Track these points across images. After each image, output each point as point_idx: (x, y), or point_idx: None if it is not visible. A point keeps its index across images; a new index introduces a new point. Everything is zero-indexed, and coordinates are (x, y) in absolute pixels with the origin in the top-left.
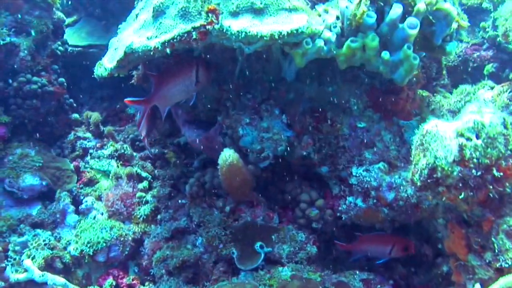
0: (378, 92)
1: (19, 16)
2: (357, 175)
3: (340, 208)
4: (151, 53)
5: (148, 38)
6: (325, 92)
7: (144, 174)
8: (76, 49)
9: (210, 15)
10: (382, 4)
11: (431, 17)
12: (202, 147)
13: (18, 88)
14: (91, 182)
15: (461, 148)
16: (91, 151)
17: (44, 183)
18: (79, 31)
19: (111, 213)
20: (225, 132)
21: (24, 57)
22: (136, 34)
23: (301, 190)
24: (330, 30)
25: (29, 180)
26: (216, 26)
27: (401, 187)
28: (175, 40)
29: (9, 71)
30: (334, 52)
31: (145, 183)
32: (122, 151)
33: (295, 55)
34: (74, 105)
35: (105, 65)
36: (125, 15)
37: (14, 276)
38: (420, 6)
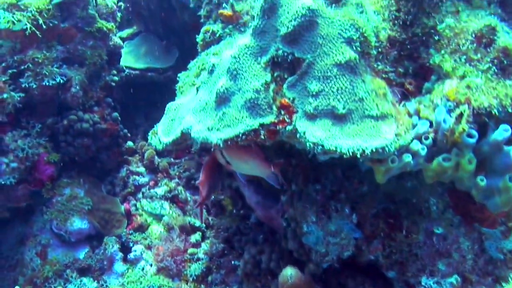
0: (462, 193)
1: (72, 47)
2: (427, 286)
3: None
4: (211, 145)
5: (208, 128)
6: (403, 188)
7: (197, 223)
8: (134, 72)
9: (282, 111)
10: (486, 119)
11: None
12: (260, 215)
13: (69, 125)
14: (141, 228)
15: None
16: (143, 189)
17: (92, 226)
18: (137, 49)
19: (160, 268)
20: (287, 219)
21: (75, 93)
22: (196, 117)
23: None
24: (421, 142)
25: (78, 223)
26: (289, 128)
27: None
28: (239, 139)
29: (60, 106)
30: (422, 166)
31: (197, 236)
32: (176, 192)
33: (376, 171)
34: (128, 135)
35: (160, 138)
36: (188, 36)
37: None
38: None
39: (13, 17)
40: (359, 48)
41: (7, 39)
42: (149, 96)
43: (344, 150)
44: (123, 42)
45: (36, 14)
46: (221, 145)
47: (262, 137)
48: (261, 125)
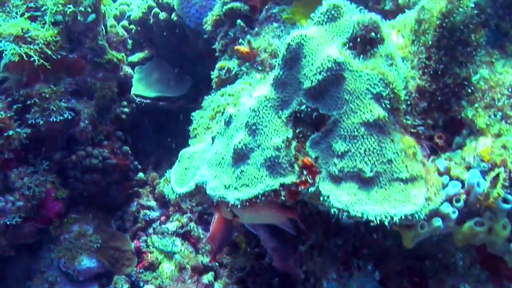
0: None
1: (81, 79)
2: None
3: None
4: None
5: (225, 186)
6: (428, 242)
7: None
8: (145, 101)
9: (304, 171)
10: None
11: None
12: (277, 263)
13: (77, 161)
14: (152, 266)
15: None
16: (154, 225)
17: (102, 265)
18: (148, 75)
19: None
20: (306, 272)
21: (84, 128)
22: (211, 171)
23: None
24: (451, 204)
25: (86, 262)
26: (312, 189)
27: None
28: (257, 199)
29: (68, 140)
30: (452, 229)
31: (210, 276)
32: (188, 228)
33: (404, 236)
34: (139, 166)
35: (173, 187)
36: (202, 64)
37: None
38: None
39: (20, 49)
40: (388, 105)
41: (13, 72)
42: (161, 124)
43: (371, 217)
44: (134, 66)
45: (43, 47)
46: (238, 206)
47: (283, 197)
48: (282, 185)
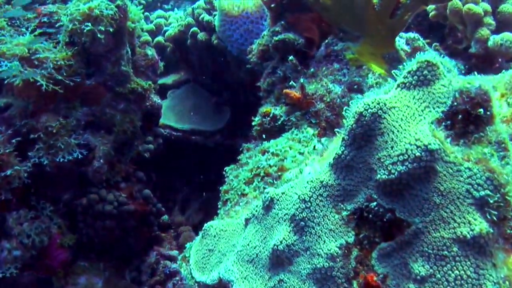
0: None
1: (99, 109)
2: None
3: None
4: None
5: None
6: None
7: None
8: (175, 133)
9: None
10: None
11: None
12: None
13: (88, 205)
14: None
15: None
16: (175, 279)
17: None
18: (181, 103)
19: None
20: None
21: (98, 168)
22: (240, 269)
23: None
24: None
25: None
26: None
27: None
28: None
29: (79, 180)
30: None
31: None
32: None
33: None
34: (163, 209)
35: (193, 271)
36: (244, 94)
37: None
38: None
39: (23, 74)
40: (495, 216)
41: (18, 98)
42: (192, 157)
43: None
44: (166, 90)
45: (53, 72)
46: None
47: None
48: None
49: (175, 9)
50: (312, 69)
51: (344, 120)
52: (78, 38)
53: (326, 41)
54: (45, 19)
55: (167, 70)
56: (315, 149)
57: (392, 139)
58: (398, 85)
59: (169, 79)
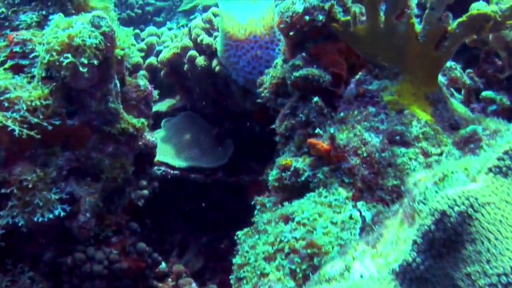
0: None
1: (84, 153)
2: None
3: None
4: None
5: None
6: None
7: None
8: (172, 172)
9: None
10: None
11: None
12: None
13: (74, 265)
14: None
15: None
16: None
17: None
18: (178, 134)
19: None
20: None
21: (85, 223)
22: None
23: None
24: None
25: None
26: None
27: None
28: None
29: (62, 234)
30: None
31: None
32: None
33: None
34: (159, 259)
35: None
36: (250, 124)
37: None
38: None
39: None
40: None
41: None
42: (191, 194)
43: None
44: (161, 117)
45: (27, 115)
46: None
47: None
48: None
49: (167, 22)
50: (342, 114)
51: (416, 216)
52: (57, 72)
53: (357, 77)
54: (18, 49)
55: (161, 93)
56: (352, 219)
57: (488, 249)
58: (490, 169)
59: (163, 105)
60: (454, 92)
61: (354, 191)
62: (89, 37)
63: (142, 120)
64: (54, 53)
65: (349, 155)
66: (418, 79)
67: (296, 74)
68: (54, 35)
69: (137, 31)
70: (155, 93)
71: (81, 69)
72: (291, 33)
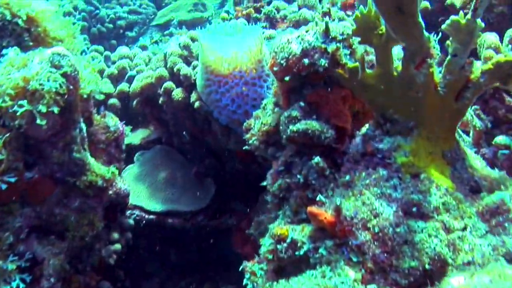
0: None
1: (46, 209)
2: None
3: None
4: None
5: None
6: None
7: None
8: (147, 216)
9: None
10: None
11: None
12: None
13: None
14: None
15: None
16: None
17: None
18: (153, 173)
19: None
20: None
21: None
22: None
23: None
24: None
25: None
26: None
27: None
28: None
29: None
30: None
31: None
32: None
33: None
34: None
35: None
36: (232, 162)
37: None
38: None
39: None
40: None
41: None
42: (169, 237)
43: None
44: (133, 150)
45: None
46: None
47: None
48: None
49: (140, 38)
50: (347, 176)
51: None
52: (11, 120)
53: (364, 131)
54: None
55: (133, 122)
56: None
57: None
58: None
59: (136, 137)
60: (462, 134)
61: (363, 273)
62: (48, 80)
63: (113, 169)
64: (7, 98)
65: (357, 228)
66: (435, 134)
67: (293, 128)
68: (7, 76)
69: (108, 53)
70: (127, 129)
71: (38, 120)
72: (287, 78)
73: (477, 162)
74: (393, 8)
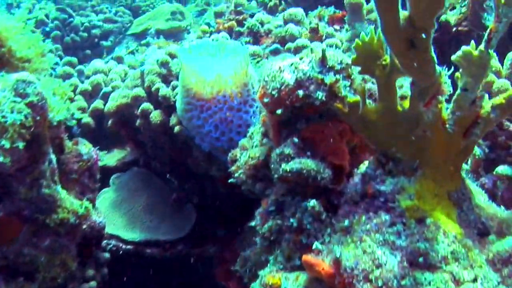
0: None
1: (12, 250)
2: None
3: None
4: None
5: None
6: None
7: None
8: (124, 246)
9: None
10: None
11: None
12: None
13: None
14: None
15: None
16: None
17: None
18: (130, 198)
19: None
20: None
21: None
22: None
23: None
24: None
25: None
26: None
27: None
28: None
29: None
30: None
31: None
32: None
33: None
34: None
35: None
36: (213, 186)
37: None
38: None
39: None
40: None
41: None
42: (147, 270)
43: None
44: (109, 173)
45: None
46: None
47: None
48: None
49: (116, 47)
50: (346, 221)
51: None
52: None
53: (363, 170)
54: None
55: (108, 142)
56: None
57: None
58: None
59: (111, 158)
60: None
61: None
62: (12, 112)
63: (86, 204)
64: None
65: (358, 280)
66: (441, 174)
67: (286, 167)
68: None
69: (81, 67)
70: (101, 154)
71: (1, 158)
72: (279, 112)
73: (480, 198)
74: (404, 41)
